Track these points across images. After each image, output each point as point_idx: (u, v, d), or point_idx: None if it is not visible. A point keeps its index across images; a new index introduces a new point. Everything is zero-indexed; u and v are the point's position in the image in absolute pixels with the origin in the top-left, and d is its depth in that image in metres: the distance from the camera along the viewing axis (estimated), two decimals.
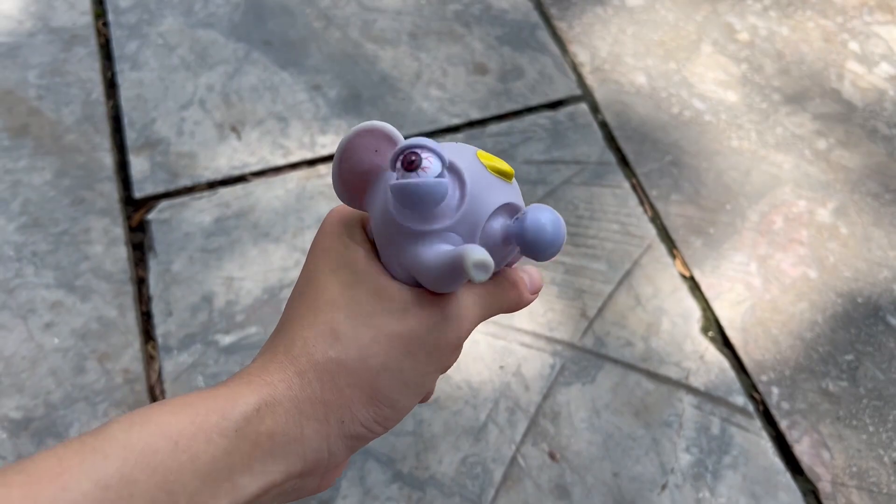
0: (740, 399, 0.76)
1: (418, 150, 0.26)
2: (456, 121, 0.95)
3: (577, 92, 0.99)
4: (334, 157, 0.29)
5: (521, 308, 0.31)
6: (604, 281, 0.83)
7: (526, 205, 0.28)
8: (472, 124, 0.95)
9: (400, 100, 0.96)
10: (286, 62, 0.99)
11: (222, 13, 1.03)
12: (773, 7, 1.10)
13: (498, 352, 0.77)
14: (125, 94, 0.94)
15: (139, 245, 0.83)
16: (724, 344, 0.80)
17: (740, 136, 0.96)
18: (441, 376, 0.75)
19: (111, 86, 0.95)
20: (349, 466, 0.70)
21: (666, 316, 0.81)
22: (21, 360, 0.74)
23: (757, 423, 0.75)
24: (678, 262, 0.85)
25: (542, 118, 0.96)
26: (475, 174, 0.27)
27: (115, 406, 0.72)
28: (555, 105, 0.98)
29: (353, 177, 0.29)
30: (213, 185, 0.87)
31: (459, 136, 0.93)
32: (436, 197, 0.26)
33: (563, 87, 0.99)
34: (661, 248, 0.86)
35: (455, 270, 0.25)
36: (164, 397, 0.73)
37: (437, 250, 0.26)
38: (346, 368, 0.26)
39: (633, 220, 0.88)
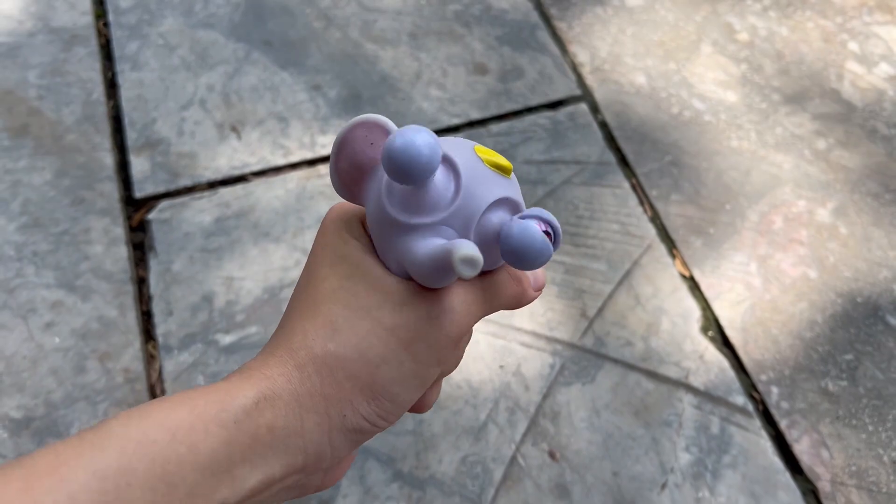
0: (740, 399, 0.76)
1: None
2: (456, 121, 0.95)
3: (577, 92, 0.99)
4: (331, 151, 0.29)
5: (524, 305, 0.31)
6: (604, 281, 0.83)
7: (526, 205, 0.28)
8: (472, 124, 0.95)
9: (400, 100, 0.96)
10: (286, 62, 0.99)
11: (222, 13, 1.03)
12: (773, 7, 1.10)
13: (498, 351, 0.77)
14: (126, 94, 0.94)
15: (139, 245, 0.83)
16: (724, 344, 0.80)
17: (740, 137, 0.96)
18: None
19: (112, 86, 0.95)
20: (350, 466, 0.70)
21: (666, 316, 0.81)
22: (22, 359, 0.74)
23: (756, 423, 0.75)
24: (678, 261, 0.85)
25: (542, 118, 0.96)
26: (471, 168, 0.27)
27: (115, 405, 0.72)
28: (555, 105, 0.98)
29: (349, 170, 0.29)
30: (213, 184, 0.87)
31: (459, 136, 0.94)
32: (427, 164, 0.24)
33: (563, 87, 0.99)
34: (660, 248, 0.86)
35: (443, 265, 0.24)
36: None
37: (429, 244, 0.26)
38: (344, 362, 0.26)
39: (632, 220, 0.88)
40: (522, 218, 0.26)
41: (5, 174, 0.86)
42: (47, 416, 0.71)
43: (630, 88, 1.00)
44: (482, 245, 0.27)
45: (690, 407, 0.76)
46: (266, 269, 0.81)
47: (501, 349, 0.78)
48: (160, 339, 0.76)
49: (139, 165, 0.88)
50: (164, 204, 0.85)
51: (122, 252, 0.81)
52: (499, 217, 0.27)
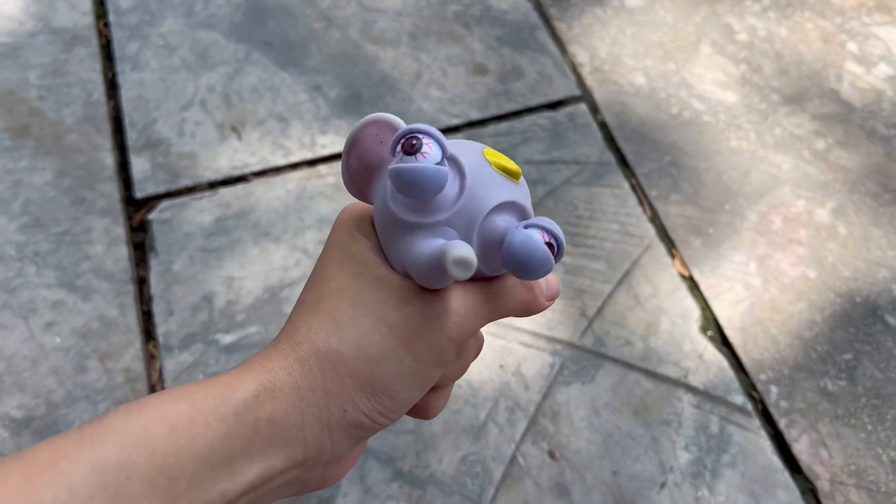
0: (739, 398, 0.76)
1: (419, 135, 0.25)
2: (456, 121, 0.95)
3: (577, 92, 0.99)
4: (343, 150, 0.29)
5: (534, 313, 0.30)
6: (603, 280, 0.83)
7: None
8: (471, 124, 0.95)
9: (400, 100, 0.96)
10: (287, 63, 0.99)
11: (223, 14, 1.03)
12: (772, 8, 1.11)
13: (498, 351, 0.78)
14: (126, 94, 0.94)
15: (140, 245, 0.83)
16: (723, 343, 0.80)
17: (739, 137, 0.96)
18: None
19: (112, 86, 0.95)
20: (353, 466, 0.70)
21: (665, 315, 0.81)
22: (22, 359, 0.74)
23: (756, 422, 0.75)
24: (677, 261, 0.85)
25: (542, 118, 0.96)
26: (476, 169, 0.26)
27: (116, 405, 0.72)
28: (554, 105, 0.98)
29: (359, 169, 0.29)
30: (213, 185, 0.88)
31: (459, 136, 0.94)
32: (433, 183, 0.25)
33: (563, 87, 1.00)
34: (660, 248, 0.86)
35: (438, 265, 0.24)
36: None
37: (428, 244, 0.26)
38: (346, 358, 0.26)
39: (632, 220, 0.88)
40: (528, 227, 0.25)
41: (6, 174, 0.86)
42: (48, 415, 0.72)
43: (629, 89, 1.00)
44: (485, 248, 0.27)
45: (690, 406, 0.76)
46: (266, 268, 0.81)
47: (501, 349, 0.78)
48: (161, 339, 0.76)
49: (140, 165, 0.88)
50: (164, 204, 0.86)
51: (123, 252, 0.82)
52: (504, 221, 0.27)
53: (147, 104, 0.94)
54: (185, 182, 0.87)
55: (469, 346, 0.32)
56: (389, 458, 0.71)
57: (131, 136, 0.91)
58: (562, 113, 0.97)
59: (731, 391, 0.77)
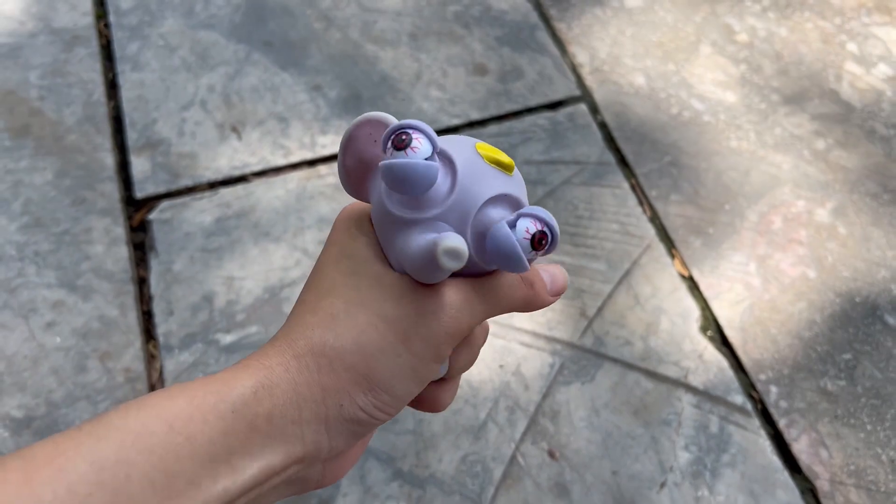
0: (739, 398, 0.76)
1: (409, 131, 0.26)
2: (456, 121, 0.95)
3: (577, 93, 0.99)
4: (339, 150, 0.29)
5: (536, 309, 0.30)
6: (603, 280, 0.83)
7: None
8: (471, 125, 0.95)
9: (400, 100, 0.97)
10: (287, 63, 0.99)
11: (223, 14, 1.04)
12: (772, 8, 1.11)
13: (497, 351, 0.78)
14: (126, 94, 0.94)
15: (140, 245, 0.83)
16: (723, 343, 0.80)
17: (739, 137, 0.97)
18: None
19: (112, 86, 0.95)
20: (353, 466, 0.70)
21: (665, 315, 0.81)
22: (23, 359, 0.74)
23: (755, 422, 0.75)
24: (677, 261, 0.85)
25: (542, 119, 0.96)
26: (468, 163, 0.27)
27: (116, 405, 0.72)
28: (554, 106, 0.98)
29: (356, 168, 0.29)
30: (213, 185, 0.88)
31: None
32: (423, 178, 0.25)
33: (563, 87, 1.00)
34: (660, 248, 0.86)
35: (431, 257, 0.24)
36: None
37: (422, 239, 0.26)
38: (342, 353, 0.26)
39: (632, 220, 0.88)
40: (520, 216, 0.26)
41: (7, 174, 0.86)
42: (48, 415, 0.72)
43: (629, 89, 1.00)
44: (479, 241, 0.27)
45: (689, 406, 0.76)
46: (266, 268, 0.81)
47: (501, 349, 0.78)
48: (161, 339, 0.77)
49: (140, 166, 0.88)
50: (164, 204, 0.86)
51: (123, 252, 0.82)
52: (497, 213, 0.27)
53: (147, 104, 0.94)
54: (186, 182, 0.87)
55: (475, 336, 0.32)
56: (389, 457, 0.71)
57: (131, 136, 0.91)
58: (562, 113, 0.97)
59: (730, 391, 0.77)
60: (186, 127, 0.92)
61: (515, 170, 0.28)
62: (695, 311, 0.82)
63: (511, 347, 0.78)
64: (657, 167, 0.93)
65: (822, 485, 0.72)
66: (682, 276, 0.84)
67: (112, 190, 0.86)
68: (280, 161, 0.90)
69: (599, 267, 0.84)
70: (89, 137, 0.90)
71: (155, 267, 0.81)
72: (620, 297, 0.82)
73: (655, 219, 0.89)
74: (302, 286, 0.30)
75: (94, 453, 0.22)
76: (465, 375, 0.76)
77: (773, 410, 0.76)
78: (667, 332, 0.80)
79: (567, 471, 0.71)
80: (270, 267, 0.82)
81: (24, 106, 0.92)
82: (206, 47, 1.00)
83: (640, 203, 0.90)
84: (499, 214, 0.27)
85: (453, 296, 0.27)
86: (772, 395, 0.77)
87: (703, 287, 0.83)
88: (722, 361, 0.79)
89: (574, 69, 1.02)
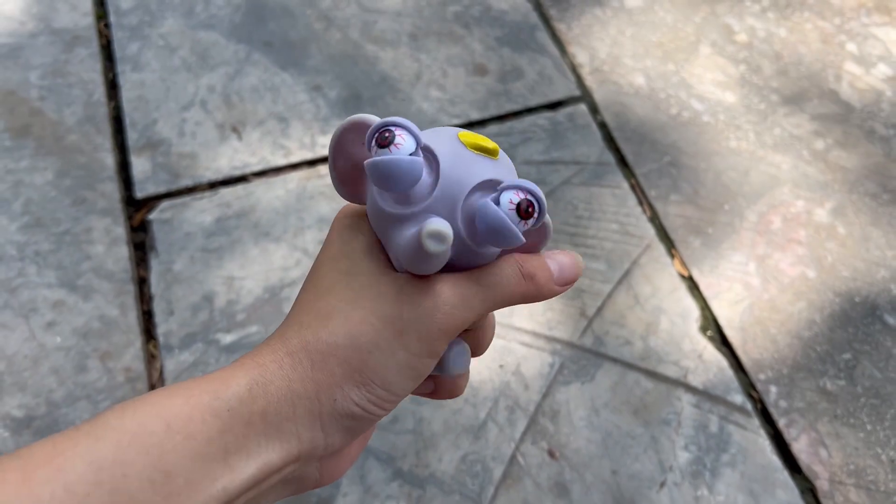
0: (738, 397, 0.76)
1: (392, 128, 0.26)
2: (456, 121, 0.95)
3: (577, 93, 1.00)
4: (328, 157, 0.30)
5: (543, 299, 0.30)
6: (603, 280, 0.83)
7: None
8: (471, 125, 0.95)
9: (400, 100, 0.97)
10: (287, 63, 0.99)
11: (223, 14, 1.04)
12: (772, 8, 1.11)
13: (497, 351, 0.78)
14: (126, 94, 0.95)
15: (140, 245, 0.83)
16: (723, 343, 0.80)
17: (738, 137, 0.97)
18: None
19: (113, 87, 0.96)
20: (350, 466, 0.70)
21: (665, 315, 0.81)
22: (23, 358, 0.75)
23: (755, 422, 0.75)
24: (677, 261, 0.85)
25: (542, 119, 0.97)
26: (450, 153, 0.27)
27: (120, 402, 0.72)
28: (554, 106, 0.98)
29: (347, 172, 0.30)
30: (214, 185, 0.88)
31: None
32: (407, 174, 0.25)
33: (563, 87, 1.00)
34: (659, 248, 0.86)
35: (417, 244, 0.25)
36: None
37: (410, 230, 0.26)
38: (336, 348, 0.26)
39: (631, 220, 0.88)
40: (503, 190, 0.26)
41: (7, 174, 0.86)
42: (48, 415, 0.72)
43: (629, 89, 1.00)
44: (470, 228, 0.27)
45: (689, 406, 0.76)
46: (267, 268, 0.82)
47: (501, 348, 0.78)
48: (161, 339, 0.77)
49: (140, 166, 0.88)
50: (164, 204, 0.86)
51: (124, 252, 0.82)
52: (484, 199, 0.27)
53: (147, 104, 0.94)
54: (186, 182, 0.88)
55: (486, 325, 0.32)
56: (389, 457, 0.71)
57: (132, 136, 0.91)
58: (561, 113, 0.97)
59: (730, 391, 0.77)
60: (187, 127, 0.92)
61: (501, 153, 0.28)
62: (694, 311, 0.82)
63: (511, 347, 0.78)
64: (657, 167, 0.93)
65: (822, 484, 0.72)
66: (682, 276, 0.84)
67: (112, 190, 0.86)
68: (280, 161, 0.90)
69: (599, 267, 0.84)
70: (90, 137, 0.90)
71: (155, 267, 0.81)
72: (620, 296, 0.82)
73: (655, 219, 0.89)
74: (302, 286, 0.30)
75: (91, 453, 0.22)
76: None
77: (772, 410, 0.76)
78: (666, 331, 0.80)
79: (567, 470, 0.71)
80: (270, 267, 0.82)
81: (24, 106, 0.92)
82: (206, 47, 1.00)
83: (640, 203, 0.90)
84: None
85: (448, 292, 0.27)
86: (771, 394, 0.77)
87: (702, 287, 0.83)
88: (721, 361, 0.79)
89: (574, 69, 1.02)
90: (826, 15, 1.11)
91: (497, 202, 0.26)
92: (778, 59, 1.05)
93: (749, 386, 0.77)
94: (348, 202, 0.31)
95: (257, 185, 0.88)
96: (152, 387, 0.74)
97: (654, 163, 0.93)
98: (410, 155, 0.26)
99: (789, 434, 0.75)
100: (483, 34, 1.05)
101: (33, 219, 0.83)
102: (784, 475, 0.72)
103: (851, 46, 1.07)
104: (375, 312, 0.27)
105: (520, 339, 0.79)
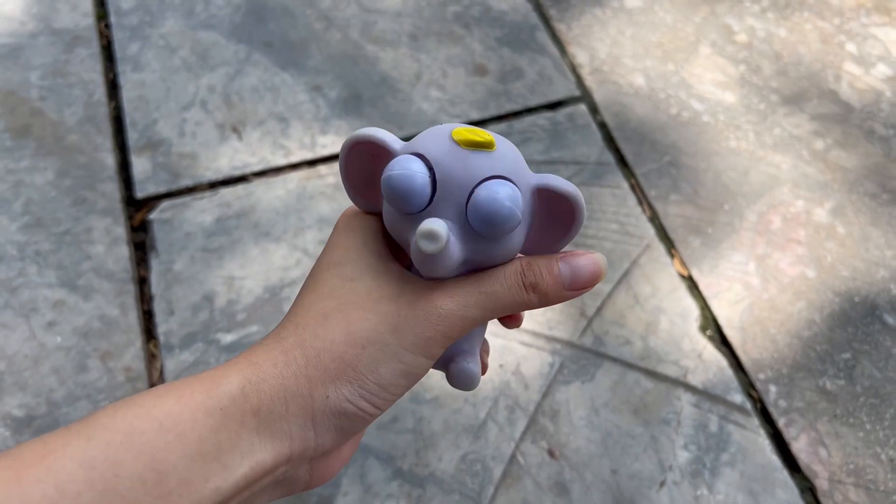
0: (738, 397, 0.76)
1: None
2: (456, 122, 0.95)
3: (577, 93, 1.00)
4: (340, 174, 0.30)
5: (551, 305, 0.29)
6: (602, 280, 0.83)
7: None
8: (471, 125, 0.95)
9: (400, 101, 0.97)
10: (287, 63, 0.99)
11: (223, 15, 1.04)
12: (771, 9, 1.11)
13: (497, 350, 0.78)
14: (127, 95, 0.95)
15: (141, 245, 0.83)
16: (722, 342, 0.80)
17: (738, 137, 0.97)
18: (441, 375, 0.75)
19: (113, 87, 0.96)
20: (349, 464, 0.71)
21: (664, 315, 0.81)
22: (23, 358, 0.75)
23: (755, 421, 0.75)
24: (676, 261, 0.86)
25: (542, 119, 0.97)
26: (444, 157, 0.27)
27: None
28: (554, 106, 0.98)
29: (363, 182, 0.30)
30: (214, 185, 0.88)
31: None
32: (420, 191, 0.26)
33: (563, 87, 1.00)
34: (659, 248, 0.86)
35: (416, 248, 0.25)
36: None
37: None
38: (331, 344, 0.26)
39: (631, 219, 0.88)
40: (487, 180, 0.26)
41: (7, 174, 0.87)
42: (49, 414, 0.72)
43: (629, 89, 1.00)
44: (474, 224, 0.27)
45: (689, 405, 0.76)
46: (267, 268, 0.82)
47: (501, 348, 0.78)
48: (161, 338, 0.77)
49: (140, 166, 0.89)
50: (165, 204, 0.86)
51: (124, 252, 0.82)
52: None
53: (148, 104, 0.94)
54: (186, 182, 0.88)
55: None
56: (389, 456, 0.71)
57: (132, 136, 0.91)
58: (561, 113, 0.97)
59: (730, 390, 0.77)
60: (187, 127, 0.92)
61: (499, 143, 0.27)
62: (694, 311, 0.82)
63: (511, 347, 0.78)
64: (656, 167, 0.93)
65: (822, 484, 0.72)
66: (682, 276, 0.84)
67: (113, 190, 0.86)
68: (280, 161, 0.90)
69: None
70: (90, 137, 0.90)
71: (155, 266, 0.81)
72: (620, 296, 0.82)
73: (655, 219, 0.89)
74: (302, 286, 0.30)
75: (83, 453, 0.22)
76: None
77: (772, 409, 0.76)
78: (666, 331, 0.80)
79: (567, 470, 0.72)
80: (271, 266, 0.82)
81: (24, 106, 0.92)
82: (206, 48, 1.00)
83: (640, 203, 0.90)
84: None
85: (446, 299, 0.27)
86: (771, 394, 0.77)
87: (702, 286, 0.84)
88: (721, 361, 0.79)
89: (574, 69, 1.02)
90: (826, 15, 1.11)
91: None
92: (778, 59, 1.05)
93: (749, 385, 0.78)
94: (351, 206, 0.31)
95: (257, 185, 0.88)
96: (152, 386, 0.74)
97: (653, 163, 0.93)
98: (405, 171, 0.26)
99: (789, 433, 0.75)
100: (483, 34, 1.05)
101: (34, 219, 0.84)
102: (784, 474, 0.73)
103: (851, 46, 1.07)
104: (373, 311, 0.27)
105: (520, 339, 0.79)
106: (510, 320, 0.33)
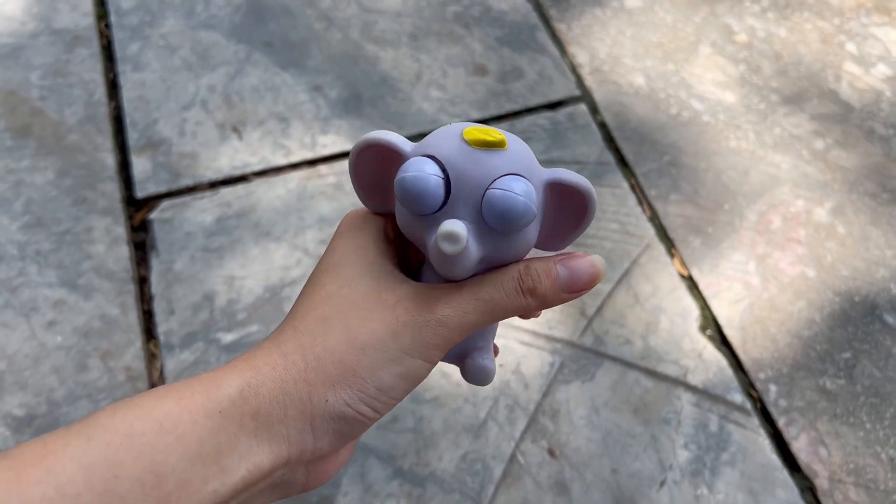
0: (738, 396, 0.77)
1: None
2: (456, 122, 0.95)
3: (577, 93, 1.00)
4: (350, 177, 0.30)
5: (551, 307, 0.29)
6: (602, 280, 0.83)
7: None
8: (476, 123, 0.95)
9: (400, 100, 0.97)
10: (287, 63, 1.00)
11: (223, 15, 1.04)
12: (771, 9, 1.11)
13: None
14: (127, 94, 0.95)
15: (141, 244, 0.83)
16: (723, 342, 0.80)
17: (738, 137, 0.97)
18: (441, 375, 0.75)
19: (113, 87, 0.96)
20: (350, 464, 0.71)
21: (664, 314, 0.81)
22: (24, 357, 0.75)
23: (755, 421, 0.75)
24: (676, 261, 0.86)
25: (542, 119, 0.97)
26: (457, 158, 0.27)
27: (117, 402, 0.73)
28: (554, 106, 0.98)
29: (371, 186, 0.30)
30: (214, 184, 0.88)
31: None
32: (434, 195, 0.26)
33: (563, 87, 1.00)
34: (659, 248, 0.86)
35: (436, 249, 0.25)
36: None
37: (432, 238, 0.27)
38: (331, 347, 0.26)
39: (631, 219, 0.88)
40: (502, 177, 0.26)
41: (8, 174, 0.87)
42: (49, 414, 0.72)
43: (629, 89, 1.01)
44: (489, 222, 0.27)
45: (689, 405, 0.76)
46: (267, 268, 0.82)
47: (501, 348, 0.78)
48: (162, 338, 0.77)
49: (140, 165, 0.89)
50: (165, 204, 0.86)
51: (124, 251, 0.82)
52: None
53: (148, 104, 0.94)
54: (186, 182, 0.88)
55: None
56: (389, 456, 0.71)
57: (132, 136, 0.91)
58: (561, 113, 0.97)
59: (730, 390, 0.77)
60: (187, 127, 0.92)
61: (511, 141, 0.27)
62: (694, 311, 0.82)
63: (511, 346, 0.78)
64: (656, 167, 0.93)
65: (822, 483, 0.72)
66: (682, 276, 0.85)
67: (113, 189, 0.86)
68: (281, 161, 0.90)
69: None
70: (90, 137, 0.90)
71: (156, 266, 0.81)
72: (620, 296, 0.82)
73: (655, 218, 0.89)
74: (302, 285, 0.30)
75: (82, 454, 0.22)
76: None
77: (772, 409, 0.76)
78: (666, 331, 0.80)
79: (567, 469, 0.72)
80: (271, 266, 0.82)
81: (25, 106, 0.92)
82: (206, 47, 1.00)
83: (640, 203, 0.90)
84: None
85: (445, 306, 0.27)
86: (771, 393, 0.77)
87: (702, 286, 0.84)
88: (721, 360, 0.79)
89: (574, 69, 1.02)
90: (826, 15, 1.11)
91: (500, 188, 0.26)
92: (778, 59, 1.05)
93: (749, 385, 0.78)
94: (352, 207, 0.32)
95: (258, 185, 0.88)
96: (153, 386, 0.74)
97: (653, 162, 0.94)
98: (419, 174, 0.26)
99: (789, 433, 0.75)
100: (483, 34, 1.05)
101: (34, 218, 0.84)
102: (784, 474, 0.73)
103: (851, 46, 1.07)
104: (373, 316, 0.27)
105: (520, 339, 0.79)
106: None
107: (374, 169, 0.29)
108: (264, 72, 0.98)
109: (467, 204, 0.27)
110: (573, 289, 0.28)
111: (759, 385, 0.77)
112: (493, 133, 0.27)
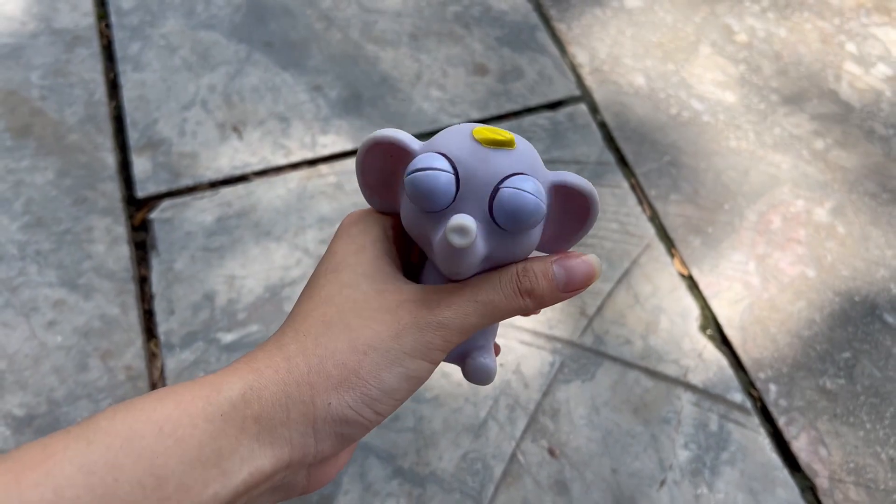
0: (738, 396, 0.77)
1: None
2: (456, 121, 0.95)
3: (577, 93, 1.00)
4: (356, 175, 0.30)
5: (549, 305, 0.29)
6: (603, 279, 0.83)
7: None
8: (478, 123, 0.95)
9: (400, 100, 0.97)
10: (287, 63, 1.00)
11: (224, 15, 1.04)
12: (771, 9, 1.11)
13: None
14: (127, 94, 0.95)
15: (141, 244, 0.83)
16: (723, 342, 0.80)
17: (738, 137, 0.97)
18: (441, 374, 0.75)
19: (113, 86, 0.96)
20: (350, 463, 0.71)
21: (664, 314, 0.81)
22: (24, 357, 0.75)
23: (755, 420, 0.75)
24: (677, 261, 0.86)
25: (542, 118, 0.97)
26: (467, 156, 0.27)
27: (117, 403, 0.73)
28: (554, 105, 0.98)
29: (378, 184, 0.30)
30: (214, 184, 0.88)
31: None
32: (444, 191, 0.26)
33: (563, 87, 1.00)
34: (659, 248, 0.86)
35: (444, 242, 0.25)
36: None
37: (440, 232, 0.27)
38: (333, 351, 0.26)
39: (631, 219, 0.88)
40: (512, 176, 0.26)
41: (8, 174, 0.87)
42: (49, 413, 0.72)
43: (629, 89, 1.01)
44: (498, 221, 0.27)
45: (689, 404, 0.76)
46: (267, 267, 0.82)
47: (501, 347, 0.78)
48: (162, 338, 0.77)
49: (141, 165, 0.89)
50: (165, 203, 0.86)
51: (124, 251, 0.82)
52: None
53: (148, 104, 0.94)
54: (187, 181, 0.88)
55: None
56: (390, 455, 0.71)
57: (132, 135, 0.91)
58: (561, 113, 0.98)
59: (730, 389, 0.77)
60: (187, 127, 0.92)
61: (519, 142, 0.28)
62: (694, 310, 0.82)
63: (511, 346, 0.78)
64: (657, 167, 0.93)
65: (822, 483, 0.72)
66: (682, 275, 0.85)
67: (113, 189, 0.86)
68: (281, 161, 0.90)
69: None
70: (90, 137, 0.90)
71: (156, 266, 0.81)
72: (620, 296, 0.82)
73: (655, 218, 0.89)
74: (303, 285, 0.30)
75: (82, 457, 0.22)
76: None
77: (772, 409, 0.76)
78: (666, 330, 0.80)
79: (567, 468, 0.72)
80: (271, 266, 0.82)
81: (25, 106, 0.92)
82: (206, 47, 1.00)
83: (640, 202, 0.90)
84: None
85: (445, 309, 0.27)
86: (771, 393, 0.77)
87: (702, 286, 0.84)
88: (721, 360, 0.79)
89: (574, 69, 1.02)
90: (826, 15, 1.11)
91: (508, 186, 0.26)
92: (778, 59, 1.05)
93: (749, 384, 0.78)
94: (352, 209, 0.32)
95: (258, 185, 0.88)
96: (153, 385, 0.74)
97: (653, 162, 0.94)
98: (430, 169, 0.26)
99: (789, 432, 0.75)
100: (483, 34, 1.05)
101: (34, 218, 0.84)
102: (784, 473, 0.73)
103: (851, 46, 1.07)
104: (375, 318, 0.27)
105: (520, 338, 0.79)
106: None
107: (382, 167, 0.29)
108: (264, 72, 0.98)
109: (475, 201, 0.27)
110: (570, 288, 0.29)
111: (759, 385, 0.77)
112: (502, 133, 0.27)
